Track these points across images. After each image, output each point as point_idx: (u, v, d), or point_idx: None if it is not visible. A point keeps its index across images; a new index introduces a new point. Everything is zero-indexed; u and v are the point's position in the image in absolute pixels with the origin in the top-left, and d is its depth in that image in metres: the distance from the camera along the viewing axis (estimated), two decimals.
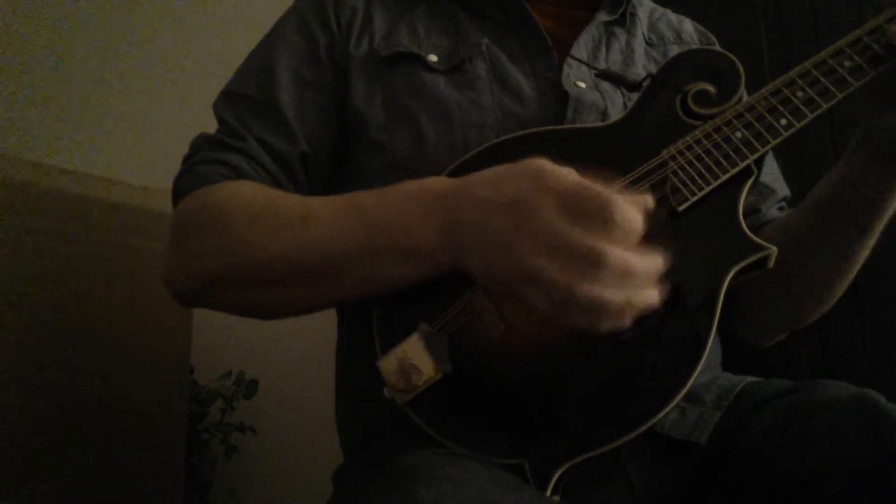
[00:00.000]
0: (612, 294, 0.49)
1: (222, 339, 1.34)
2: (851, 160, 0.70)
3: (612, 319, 0.50)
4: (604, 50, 0.81)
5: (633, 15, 0.86)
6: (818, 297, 0.79)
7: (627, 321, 0.50)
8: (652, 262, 0.50)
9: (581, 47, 0.79)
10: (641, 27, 0.87)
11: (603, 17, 0.83)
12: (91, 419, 0.97)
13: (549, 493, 0.54)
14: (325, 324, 0.87)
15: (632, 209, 0.50)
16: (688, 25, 0.92)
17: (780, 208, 0.86)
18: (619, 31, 0.84)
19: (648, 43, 0.86)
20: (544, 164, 0.53)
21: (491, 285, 0.56)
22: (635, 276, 0.49)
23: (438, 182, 0.60)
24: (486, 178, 0.56)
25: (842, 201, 0.72)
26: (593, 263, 0.48)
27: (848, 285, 0.79)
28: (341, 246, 0.60)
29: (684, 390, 0.55)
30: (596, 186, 0.50)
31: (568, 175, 0.52)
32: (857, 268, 0.76)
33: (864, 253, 0.74)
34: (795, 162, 1.14)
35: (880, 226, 0.72)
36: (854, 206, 0.71)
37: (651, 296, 0.50)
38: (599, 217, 0.49)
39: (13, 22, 1.41)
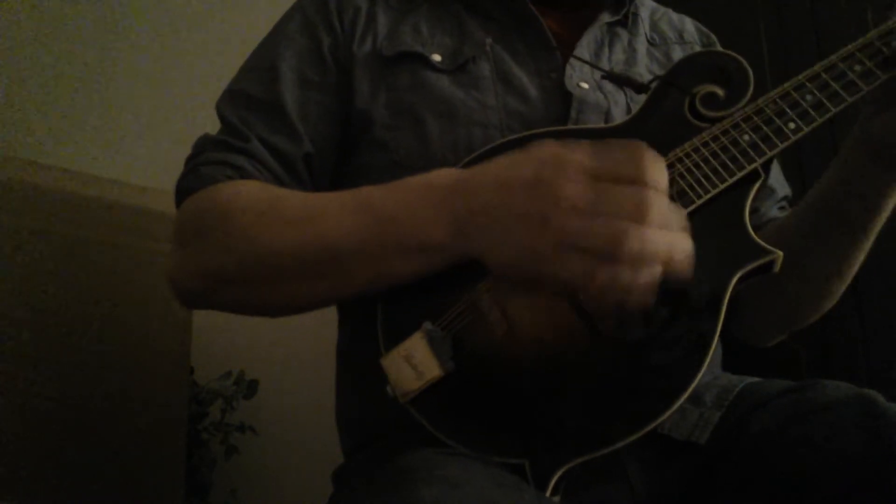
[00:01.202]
0: (658, 237, 0.48)
1: (222, 339, 1.34)
2: (849, 160, 0.70)
3: (645, 296, 0.48)
4: (607, 50, 0.81)
5: (636, 15, 0.86)
6: (817, 297, 0.79)
7: (659, 273, 0.48)
8: (681, 211, 0.50)
9: (584, 48, 0.79)
10: (644, 27, 0.87)
11: (606, 17, 0.83)
12: (91, 419, 0.97)
13: (549, 493, 0.54)
14: (325, 323, 0.87)
15: (658, 157, 0.49)
16: (689, 25, 0.92)
17: (781, 208, 0.86)
18: (621, 31, 0.84)
19: (651, 43, 0.86)
20: (555, 144, 0.52)
21: (512, 271, 0.54)
22: (674, 222, 0.49)
23: (447, 174, 0.59)
24: (498, 163, 0.55)
25: (840, 201, 0.72)
26: (638, 209, 0.47)
27: (847, 285, 0.79)
28: (349, 241, 0.60)
29: (687, 393, 0.55)
30: (617, 140, 0.50)
31: (587, 157, 0.50)
32: (855, 268, 0.76)
33: (863, 253, 0.74)
34: (795, 162, 1.14)
35: (879, 226, 0.72)
36: (852, 207, 0.71)
37: (689, 244, 0.49)
38: (631, 161, 0.48)
39: (13, 22, 1.41)
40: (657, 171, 0.49)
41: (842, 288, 0.78)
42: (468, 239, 0.56)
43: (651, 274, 0.48)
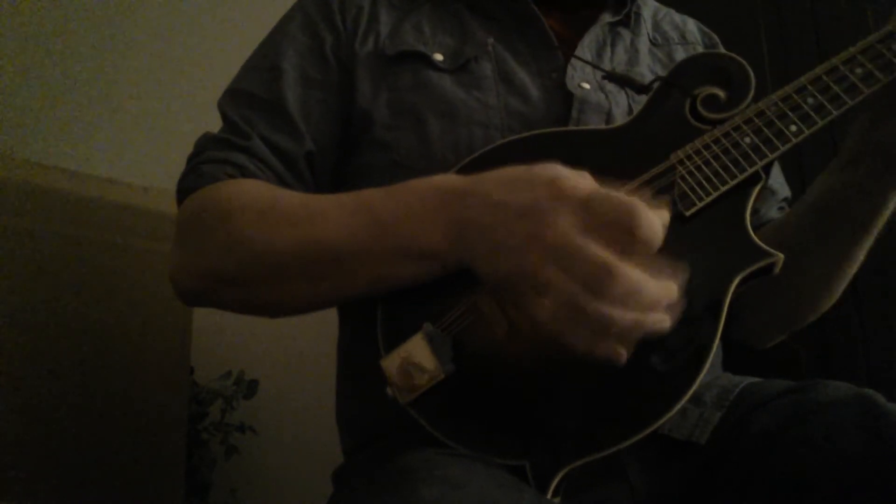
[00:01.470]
0: (622, 314, 0.48)
1: (222, 339, 1.34)
2: (848, 161, 0.70)
3: (613, 345, 0.49)
4: (608, 50, 0.81)
5: (638, 15, 0.86)
6: (816, 297, 0.79)
7: (625, 354, 0.49)
8: (666, 287, 0.50)
9: (585, 48, 0.79)
10: (646, 27, 0.87)
11: (607, 17, 0.83)
12: (91, 419, 0.96)
13: (549, 495, 0.54)
14: (325, 324, 0.87)
15: (655, 219, 0.49)
16: (691, 25, 0.92)
17: (781, 209, 0.86)
18: (623, 31, 0.84)
19: (653, 43, 0.86)
20: (560, 170, 0.52)
21: (498, 288, 0.56)
22: (646, 297, 0.48)
23: (448, 180, 0.60)
24: (499, 179, 0.56)
25: (839, 202, 0.71)
26: (607, 280, 0.47)
27: (847, 285, 0.79)
28: (349, 244, 0.60)
29: (688, 395, 0.55)
30: (617, 196, 0.49)
31: (584, 182, 0.51)
32: (855, 268, 0.76)
33: (862, 253, 0.74)
34: (795, 162, 1.14)
35: (878, 226, 0.72)
36: (851, 207, 0.71)
37: (661, 320, 0.49)
38: (622, 222, 0.48)
39: (13, 22, 1.41)
40: (654, 224, 0.48)
41: (842, 287, 0.78)
42: (460, 248, 0.56)
43: (608, 346, 0.49)
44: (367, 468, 0.67)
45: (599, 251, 0.48)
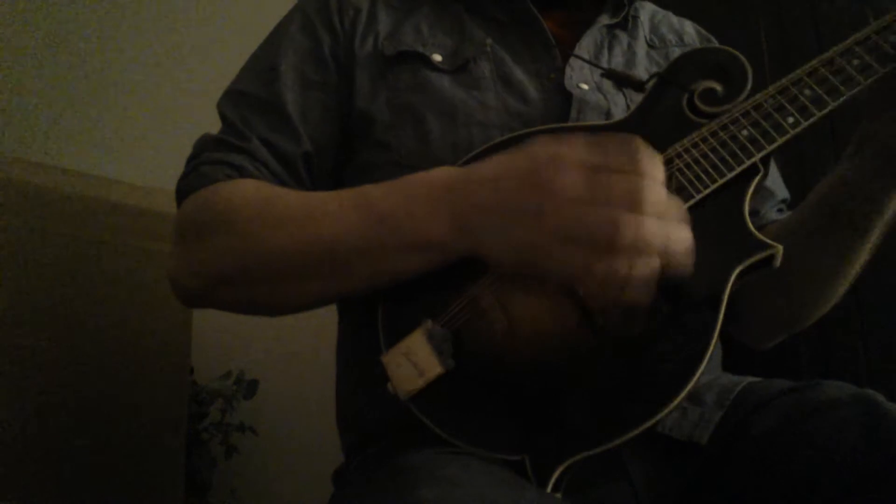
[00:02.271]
0: (654, 228, 0.48)
1: (222, 339, 1.34)
2: (853, 161, 0.70)
3: (644, 290, 0.48)
4: (606, 52, 0.81)
5: (635, 18, 0.86)
6: (818, 299, 0.79)
7: (658, 266, 0.49)
8: (684, 231, 0.50)
9: (583, 49, 0.79)
10: (643, 30, 0.87)
11: (605, 19, 0.83)
12: (91, 419, 0.97)
13: (549, 489, 0.54)
14: (325, 323, 0.87)
15: (650, 148, 0.49)
16: (689, 27, 0.92)
17: (780, 210, 0.86)
18: (621, 33, 0.84)
19: (650, 45, 0.86)
20: (555, 141, 0.52)
21: (514, 264, 0.55)
22: (672, 213, 0.49)
23: (445, 172, 0.59)
24: (494, 160, 0.56)
25: (842, 203, 0.71)
26: (634, 199, 0.47)
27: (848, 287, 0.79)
28: (348, 239, 0.60)
29: (687, 390, 0.55)
30: (614, 155, 0.50)
31: (582, 149, 0.51)
32: (857, 270, 0.76)
33: (865, 255, 0.74)
34: (795, 162, 1.14)
35: (881, 228, 0.72)
36: (855, 208, 0.71)
37: (687, 235, 0.50)
38: (625, 188, 0.48)
39: (13, 22, 1.41)
40: (652, 162, 0.49)
41: (843, 289, 0.78)
42: (467, 236, 0.56)
43: (648, 266, 0.48)
44: (367, 468, 0.67)
45: (612, 210, 0.48)
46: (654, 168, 0.49)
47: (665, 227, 0.49)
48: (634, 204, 0.48)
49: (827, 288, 0.78)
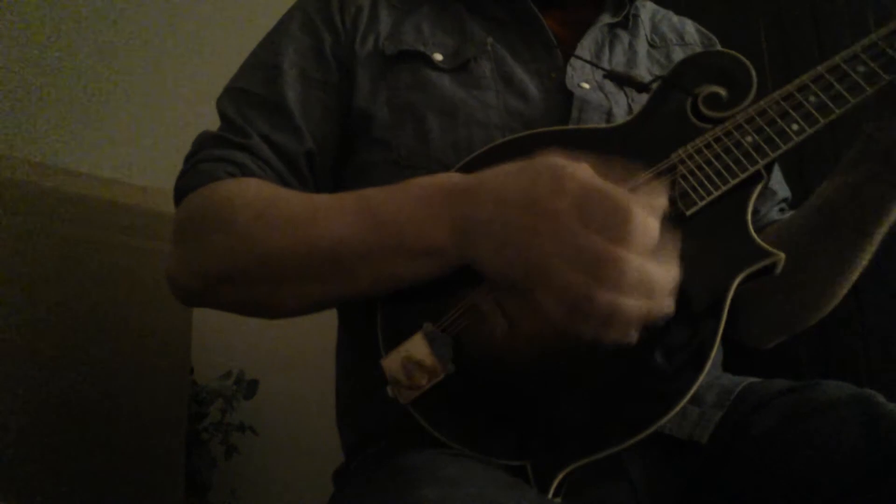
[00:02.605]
0: (629, 302, 0.48)
1: (222, 339, 1.34)
2: (855, 166, 0.70)
3: (623, 329, 0.49)
4: (607, 52, 0.81)
5: (636, 17, 0.86)
6: (818, 301, 0.79)
7: (635, 335, 0.50)
8: (669, 273, 0.50)
9: (585, 49, 0.79)
10: (644, 29, 0.87)
11: (606, 19, 0.83)
12: (91, 419, 0.96)
13: (551, 495, 0.54)
14: (325, 324, 0.87)
15: (648, 216, 0.49)
16: (690, 27, 0.92)
17: (781, 209, 0.86)
18: (622, 33, 0.84)
19: (651, 45, 0.86)
20: (560, 162, 0.53)
21: (503, 284, 0.56)
22: (653, 285, 0.49)
23: (449, 178, 0.60)
24: (499, 174, 0.56)
25: (844, 207, 0.71)
26: (613, 270, 0.48)
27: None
28: (350, 243, 0.60)
29: (688, 395, 0.55)
30: (613, 189, 0.50)
31: (585, 174, 0.51)
32: (857, 272, 0.76)
33: (866, 257, 0.74)
34: (795, 163, 1.14)
35: (883, 231, 0.72)
36: (856, 213, 0.71)
37: (667, 305, 0.50)
38: (616, 223, 0.49)
39: (13, 22, 1.41)
40: (647, 221, 0.49)
41: (843, 291, 0.78)
42: (465, 246, 0.56)
43: (618, 332, 0.49)
44: (367, 468, 0.67)
45: (602, 242, 0.48)
46: (646, 238, 0.49)
47: (651, 270, 0.49)
48: (618, 271, 0.48)
49: (827, 290, 0.78)
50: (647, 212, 0.49)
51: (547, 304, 0.50)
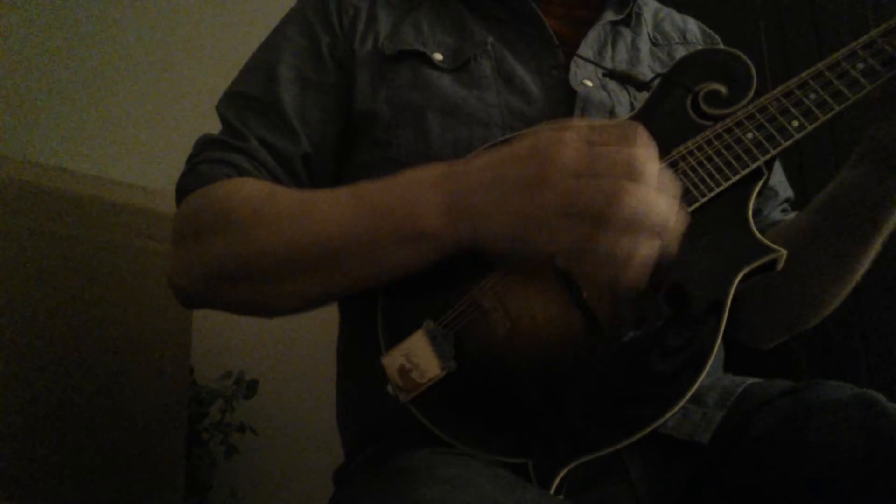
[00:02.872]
0: (656, 200, 0.48)
1: (222, 339, 1.34)
2: (856, 168, 0.70)
3: (635, 270, 0.48)
4: (610, 49, 0.81)
5: (639, 14, 0.86)
6: (819, 301, 0.79)
7: (646, 277, 0.49)
8: (675, 208, 0.50)
9: (588, 47, 0.79)
10: (647, 27, 0.87)
11: (609, 16, 0.83)
12: (91, 419, 0.96)
13: (552, 492, 0.54)
14: (325, 324, 0.87)
15: (650, 149, 0.50)
16: (692, 25, 0.92)
17: (784, 210, 0.86)
18: (624, 30, 0.84)
19: (654, 43, 0.86)
20: (552, 123, 0.53)
21: (510, 242, 0.54)
22: (661, 219, 0.49)
23: (443, 163, 0.60)
24: (495, 148, 0.57)
25: (846, 209, 0.71)
26: (635, 169, 0.48)
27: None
28: (345, 233, 0.60)
29: (689, 393, 0.55)
30: (611, 123, 0.51)
31: (582, 123, 0.52)
32: (859, 273, 0.76)
33: (867, 259, 0.74)
34: (795, 163, 1.14)
35: (886, 233, 0.72)
36: (858, 215, 0.71)
37: (683, 213, 0.50)
38: (624, 137, 0.49)
39: (13, 22, 1.41)
40: (649, 142, 0.50)
41: (845, 292, 0.78)
42: (462, 221, 0.56)
43: (647, 244, 0.48)
44: (367, 468, 0.67)
45: (619, 149, 0.49)
46: (651, 147, 0.50)
47: (665, 200, 0.49)
48: (634, 173, 0.48)
49: (829, 291, 0.78)
50: (648, 137, 0.50)
51: (573, 233, 0.49)
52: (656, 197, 0.48)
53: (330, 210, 0.61)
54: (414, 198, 0.58)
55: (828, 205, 0.73)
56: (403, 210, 0.58)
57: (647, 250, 0.48)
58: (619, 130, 0.50)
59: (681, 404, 0.55)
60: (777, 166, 0.87)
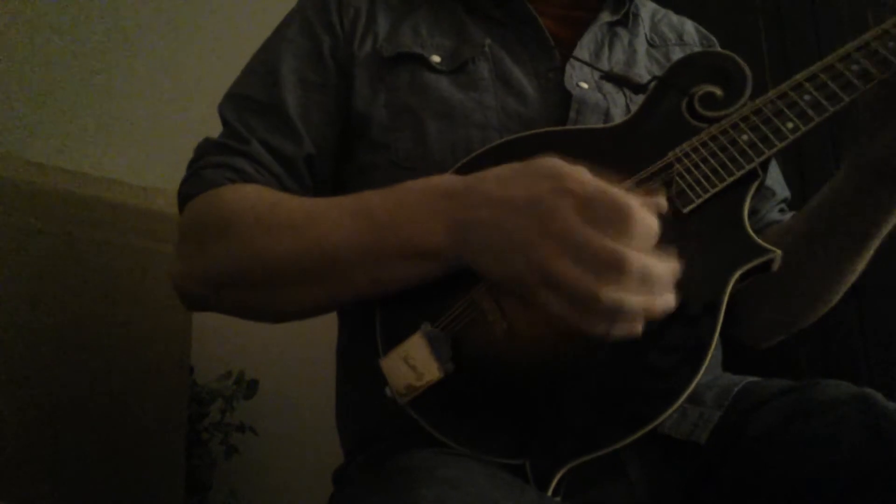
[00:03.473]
0: (633, 298, 0.49)
1: (222, 339, 1.34)
2: (849, 177, 0.70)
3: (628, 324, 0.49)
4: (606, 50, 0.81)
5: (636, 15, 0.86)
6: (816, 301, 0.80)
7: (640, 328, 0.50)
8: (670, 267, 0.50)
9: (584, 48, 0.79)
10: (644, 28, 0.87)
11: (606, 17, 0.83)
12: (91, 419, 0.97)
13: (550, 493, 0.54)
14: (325, 324, 0.87)
15: (648, 214, 0.50)
16: (689, 27, 0.92)
17: (781, 210, 0.86)
18: (621, 31, 0.84)
19: (650, 44, 0.86)
20: (560, 163, 0.53)
21: (503, 285, 0.56)
22: (655, 281, 0.49)
23: (446, 180, 0.60)
24: (498, 175, 0.56)
25: (840, 215, 0.72)
26: (617, 268, 0.48)
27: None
28: (347, 246, 0.60)
29: (687, 393, 0.55)
30: (614, 189, 0.50)
31: (585, 176, 0.52)
32: (855, 275, 0.76)
33: (863, 262, 0.74)
34: (795, 164, 1.14)
35: (879, 237, 0.72)
36: (851, 220, 0.71)
37: (669, 300, 0.51)
38: (618, 222, 0.49)
39: (13, 22, 1.41)
40: (647, 219, 0.50)
41: (841, 292, 0.78)
42: (463, 248, 0.57)
43: (624, 327, 0.50)
44: (367, 468, 0.67)
45: (607, 240, 0.49)
46: (645, 231, 0.50)
47: (643, 300, 0.49)
48: (618, 271, 0.48)
49: (826, 291, 0.78)
50: (646, 210, 0.50)
51: (551, 303, 0.51)
52: (637, 291, 0.49)
53: (333, 221, 0.62)
54: (417, 216, 0.58)
55: (823, 211, 0.73)
56: (407, 227, 0.58)
57: (625, 332, 0.50)
58: (618, 214, 0.49)
59: (678, 403, 0.55)
60: (774, 166, 0.87)
